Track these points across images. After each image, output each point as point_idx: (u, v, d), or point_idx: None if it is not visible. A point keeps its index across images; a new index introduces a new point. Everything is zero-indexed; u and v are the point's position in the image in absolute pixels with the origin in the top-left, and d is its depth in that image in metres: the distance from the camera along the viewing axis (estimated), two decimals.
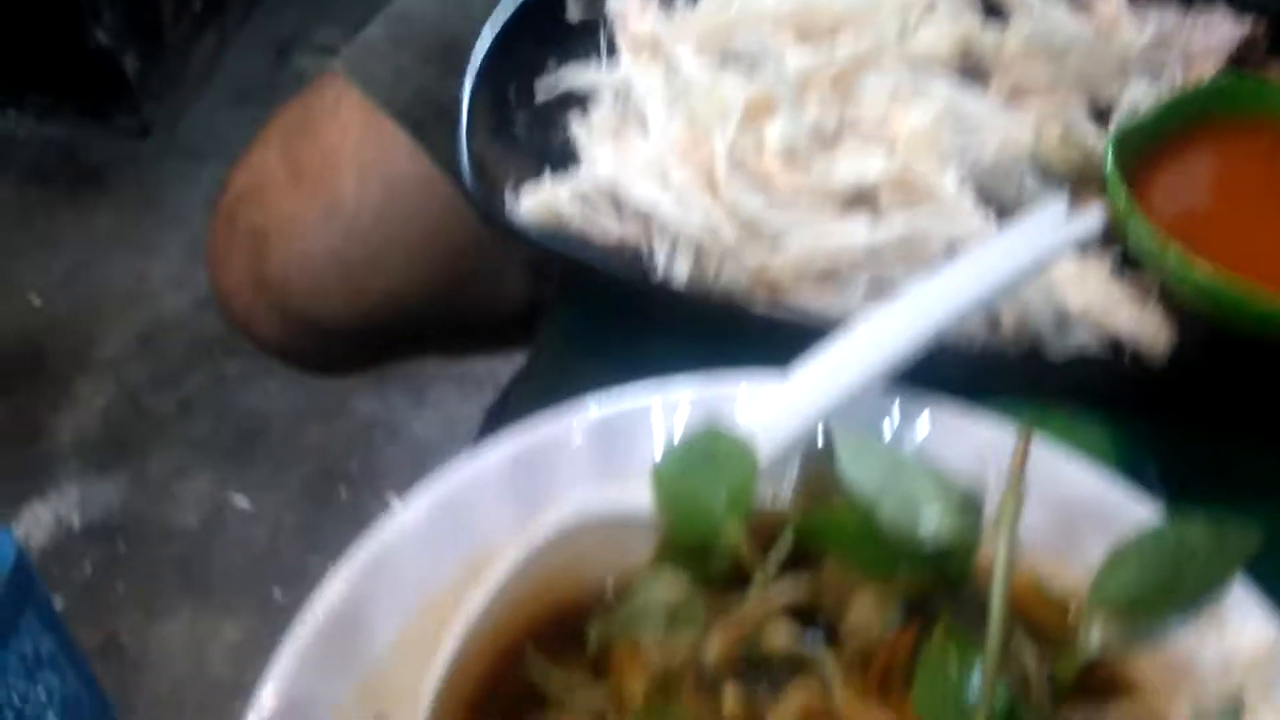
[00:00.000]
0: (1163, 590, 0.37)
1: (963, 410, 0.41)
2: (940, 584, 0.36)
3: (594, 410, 0.40)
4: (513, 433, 0.40)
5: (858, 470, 0.36)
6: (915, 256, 0.46)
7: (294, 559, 1.56)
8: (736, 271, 0.46)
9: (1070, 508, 0.39)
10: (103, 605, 1.52)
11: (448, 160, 0.59)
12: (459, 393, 1.69)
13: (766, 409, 0.39)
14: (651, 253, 0.48)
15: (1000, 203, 0.49)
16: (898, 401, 0.41)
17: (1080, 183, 0.50)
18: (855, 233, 0.46)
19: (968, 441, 0.40)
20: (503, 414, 0.70)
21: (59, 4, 1.89)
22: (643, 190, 0.47)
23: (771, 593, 0.35)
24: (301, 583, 0.36)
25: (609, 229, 0.48)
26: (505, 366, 0.76)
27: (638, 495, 0.37)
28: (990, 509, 0.36)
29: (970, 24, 0.53)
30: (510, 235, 0.48)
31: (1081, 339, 0.46)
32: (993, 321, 0.46)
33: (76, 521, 1.62)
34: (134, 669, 1.47)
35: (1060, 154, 0.50)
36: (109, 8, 1.93)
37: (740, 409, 0.39)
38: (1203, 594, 0.37)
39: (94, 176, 2.02)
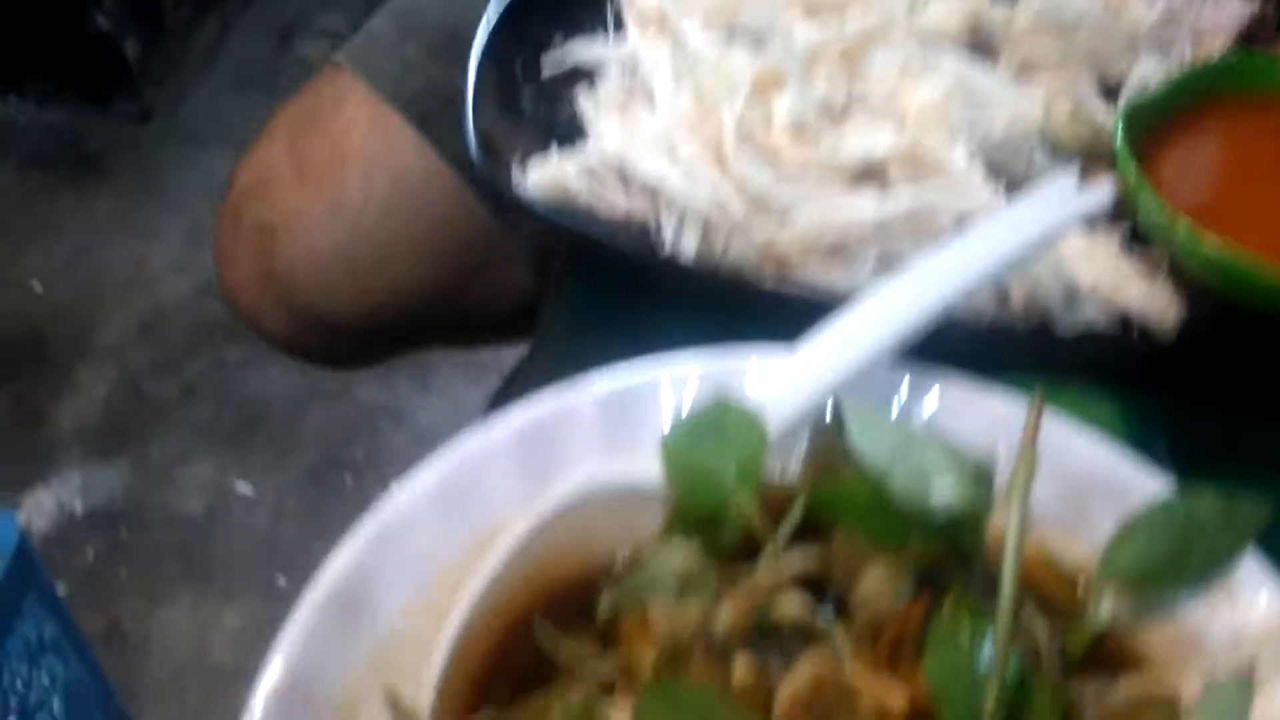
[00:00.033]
0: (1172, 563, 0.37)
1: (972, 384, 0.41)
2: (951, 556, 0.35)
3: (602, 384, 0.40)
4: (521, 407, 0.40)
5: (868, 442, 0.36)
6: (924, 231, 0.46)
7: (297, 545, 1.56)
8: (744, 246, 0.46)
9: (1080, 481, 0.39)
10: (105, 591, 1.53)
11: (455, 154, 0.59)
12: (464, 379, 1.69)
13: (775, 382, 0.39)
14: (659, 227, 0.47)
15: (1010, 178, 0.49)
16: (907, 376, 0.41)
17: (1090, 159, 0.50)
18: (864, 207, 0.46)
19: (977, 415, 0.40)
20: (508, 397, 0.70)
21: None
22: (650, 164, 0.47)
23: (782, 563, 0.34)
24: (304, 569, 0.36)
25: (616, 204, 0.48)
26: (510, 353, 0.76)
27: (647, 468, 0.37)
28: (1001, 481, 0.36)
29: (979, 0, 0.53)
30: (517, 210, 0.48)
31: (1091, 314, 0.46)
32: (1002, 297, 0.46)
33: (79, 508, 1.62)
34: (136, 655, 1.47)
35: (1070, 130, 0.50)
36: None
37: (749, 382, 0.39)
38: (1213, 567, 0.37)
39: (95, 162, 2.02)
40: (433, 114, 0.60)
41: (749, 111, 0.47)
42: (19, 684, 1.14)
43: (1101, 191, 0.44)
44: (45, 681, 1.18)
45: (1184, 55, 0.54)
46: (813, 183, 0.47)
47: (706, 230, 0.46)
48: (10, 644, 1.12)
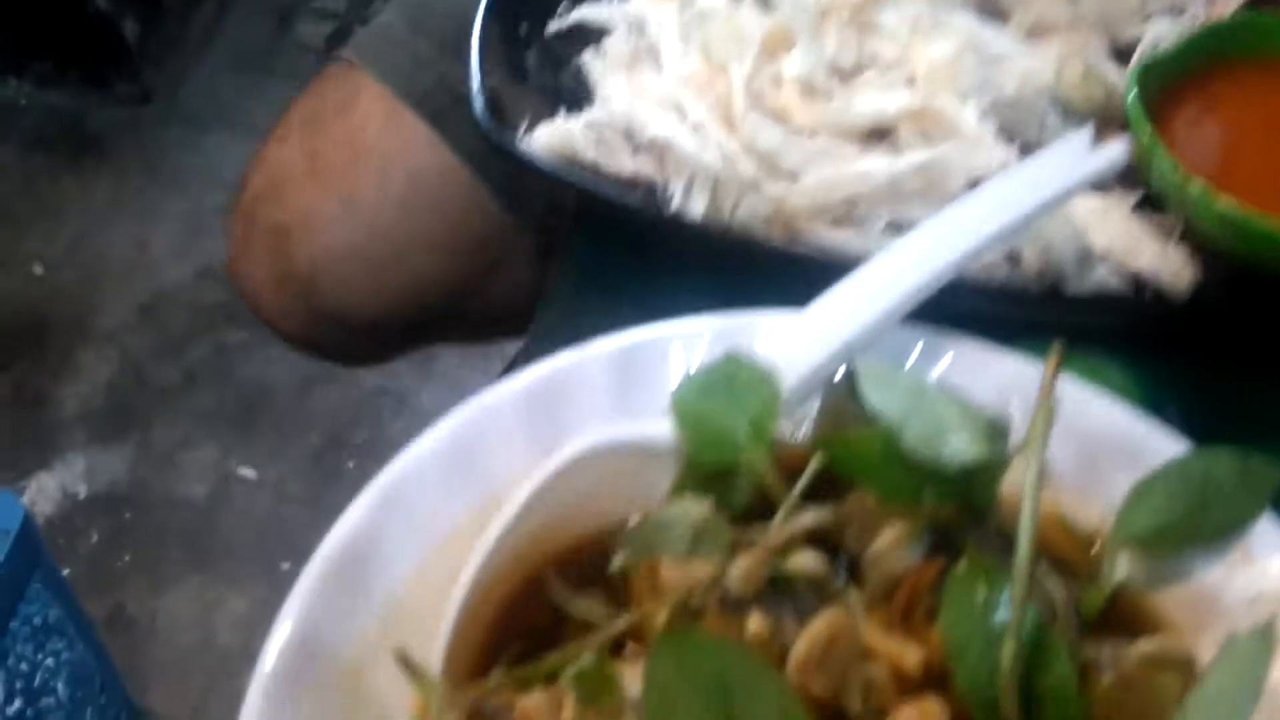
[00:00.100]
0: (1188, 524, 0.36)
1: (984, 345, 0.40)
2: (965, 513, 0.35)
3: (612, 345, 0.40)
4: (531, 368, 0.39)
5: (881, 398, 0.35)
6: (935, 192, 0.46)
7: (300, 529, 1.55)
8: (754, 206, 0.45)
9: (1095, 442, 0.39)
10: (109, 576, 1.53)
11: (468, 150, 0.59)
12: (466, 364, 1.68)
13: (786, 342, 0.38)
14: (666, 187, 0.47)
15: (1022, 139, 0.49)
16: (919, 338, 0.40)
17: (1102, 121, 0.50)
18: (875, 167, 0.45)
19: (989, 377, 0.40)
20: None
21: None
22: (658, 124, 0.46)
23: (795, 520, 0.34)
24: (307, 553, 0.35)
25: (623, 164, 0.47)
26: (513, 340, 0.76)
27: (658, 426, 0.37)
28: (1014, 441, 0.36)
29: None
30: (524, 170, 0.48)
31: (1103, 277, 0.46)
32: (1014, 258, 0.46)
33: (82, 492, 1.62)
34: (141, 639, 1.48)
35: (1082, 92, 0.49)
36: None
37: (760, 342, 0.38)
38: (1229, 528, 0.36)
39: (95, 144, 2.01)
40: (445, 110, 0.59)
41: (758, 71, 0.47)
42: (24, 666, 1.14)
43: (1114, 150, 0.43)
44: (50, 664, 1.18)
45: (1196, 17, 0.53)
46: (823, 143, 0.46)
47: (715, 190, 0.46)
48: (15, 626, 1.12)
